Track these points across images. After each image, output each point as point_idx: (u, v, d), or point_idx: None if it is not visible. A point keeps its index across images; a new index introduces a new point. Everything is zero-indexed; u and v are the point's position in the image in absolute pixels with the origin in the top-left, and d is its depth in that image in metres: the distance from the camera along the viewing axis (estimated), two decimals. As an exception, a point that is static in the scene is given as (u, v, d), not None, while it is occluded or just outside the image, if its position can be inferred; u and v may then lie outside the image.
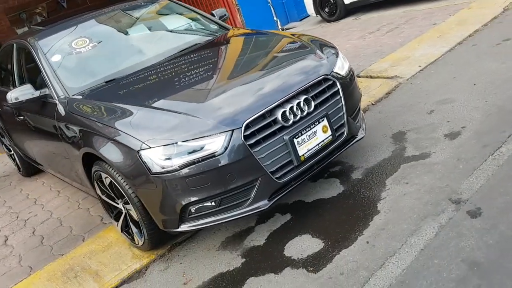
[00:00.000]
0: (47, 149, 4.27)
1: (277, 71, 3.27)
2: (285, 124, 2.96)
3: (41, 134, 4.14)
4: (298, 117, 3.01)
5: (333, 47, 3.64)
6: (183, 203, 2.85)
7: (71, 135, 3.50)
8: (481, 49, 5.31)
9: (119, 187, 3.09)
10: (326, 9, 10.10)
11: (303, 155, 3.01)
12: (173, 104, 3.17)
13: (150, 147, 2.81)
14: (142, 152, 2.83)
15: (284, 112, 2.95)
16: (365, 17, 9.21)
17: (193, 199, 2.85)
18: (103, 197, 3.48)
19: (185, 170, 2.78)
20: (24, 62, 4.60)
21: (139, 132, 2.91)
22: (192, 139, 2.80)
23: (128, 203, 3.13)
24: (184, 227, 2.97)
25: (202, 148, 2.79)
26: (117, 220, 3.52)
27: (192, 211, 2.91)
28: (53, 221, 4.37)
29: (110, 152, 3.03)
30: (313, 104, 3.09)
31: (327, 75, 3.25)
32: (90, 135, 3.22)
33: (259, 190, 2.90)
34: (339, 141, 3.23)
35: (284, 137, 2.93)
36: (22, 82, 4.56)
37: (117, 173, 3.06)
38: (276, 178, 2.93)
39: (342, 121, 3.25)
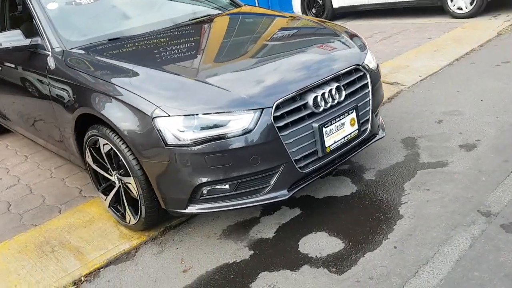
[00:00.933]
0: (24, 105, 3.81)
1: (308, 55, 3.01)
2: (315, 111, 2.72)
3: (22, 89, 3.68)
4: (328, 105, 2.77)
5: (361, 38, 3.44)
6: (198, 182, 2.54)
7: (63, 92, 3.10)
8: (481, 68, 5.30)
9: (121, 157, 2.74)
10: (313, 10, 9.98)
11: (329, 146, 2.77)
12: (193, 70, 2.86)
13: (169, 115, 2.48)
14: (157, 120, 2.50)
15: (315, 98, 2.71)
16: (352, 23, 9.14)
17: (209, 179, 2.55)
18: (94, 166, 3.10)
19: (205, 146, 2.48)
20: (8, 8, 4.11)
21: (154, 96, 2.57)
22: (216, 113, 2.50)
23: (128, 176, 2.77)
24: (191, 209, 2.66)
25: (226, 124, 2.50)
26: (105, 194, 3.15)
27: (204, 192, 2.61)
28: (21, 187, 3.92)
29: (115, 115, 2.68)
30: (343, 93, 2.87)
31: (359, 65, 3.04)
32: (89, 94, 2.84)
33: (280, 178, 2.64)
34: (361, 138, 3.02)
35: (313, 125, 2.69)
36: (3, 30, 4.08)
37: (120, 140, 2.71)
38: (299, 167, 2.68)
39: (367, 117, 3.05)
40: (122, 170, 2.88)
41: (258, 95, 2.59)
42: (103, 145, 2.87)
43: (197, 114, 2.49)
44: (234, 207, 2.66)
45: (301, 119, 2.67)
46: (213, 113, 2.50)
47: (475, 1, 7.91)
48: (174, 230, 3.07)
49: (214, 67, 2.95)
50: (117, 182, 2.97)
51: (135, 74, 2.80)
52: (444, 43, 6.45)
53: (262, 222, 3.00)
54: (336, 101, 2.81)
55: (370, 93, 3.07)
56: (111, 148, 2.80)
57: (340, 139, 2.84)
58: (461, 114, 4.12)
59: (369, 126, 3.06)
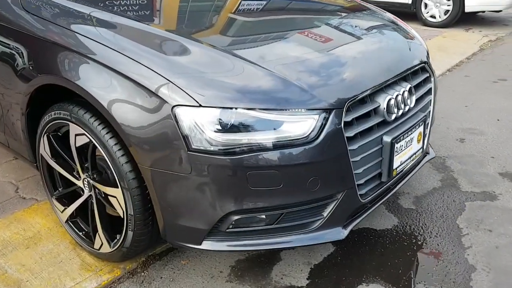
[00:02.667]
0: None
1: (371, 41, 2.26)
2: (387, 119, 1.97)
3: None
4: (400, 113, 2.04)
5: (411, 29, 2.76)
6: (230, 208, 1.70)
7: (15, 50, 2.10)
8: (479, 83, 4.89)
9: (106, 157, 1.81)
10: None
11: (396, 168, 2.05)
12: (229, 42, 2.00)
13: (200, 105, 1.62)
14: (180, 111, 1.63)
15: (389, 101, 1.97)
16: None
17: (246, 205, 1.71)
18: (52, 162, 2.13)
19: (250, 157, 1.65)
20: None
21: (174, 72, 1.70)
22: (264, 109, 1.67)
23: (113, 186, 1.86)
24: (209, 245, 1.81)
25: (278, 127, 1.68)
26: (62, 202, 2.20)
27: (233, 223, 1.77)
28: None
29: (106, 93, 1.75)
30: (413, 98, 2.15)
31: (426, 63, 2.34)
32: (59, 55, 1.90)
33: (336, 210, 1.87)
34: (419, 157, 2.33)
35: (384, 138, 1.95)
36: None
37: (108, 133, 1.79)
38: (360, 195, 1.93)
39: (427, 131, 2.37)
40: (98, 175, 1.96)
41: (323, 88, 1.79)
42: (76, 135, 1.92)
43: (235, 108, 1.65)
44: (269, 247, 1.86)
45: (370, 129, 1.92)
46: (258, 108, 1.67)
47: (449, 12, 7.62)
48: (161, 262, 2.19)
49: (250, 39, 2.11)
50: (86, 189, 2.04)
51: (141, 35, 1.89)
52: (429, 51, 5.99)
53: (285, 259, 2.21)
54: (407, 108, 2.09)
55: (433, 101, 2.39)
56: (90, 142, 1.86)
57: (406, 160, 2.13)
58: (483, 134, 3.60)
59: (425, 143, 2.38)
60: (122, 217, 1.88)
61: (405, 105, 2.07)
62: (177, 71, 1.71)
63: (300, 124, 1.71)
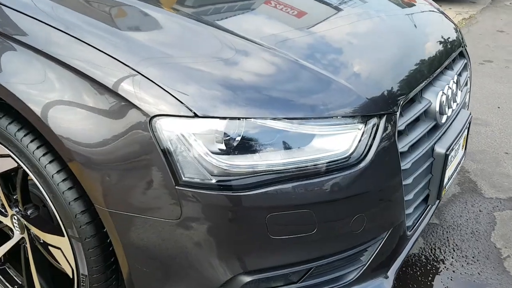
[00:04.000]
0: None
1: (417, 21, 1.72)
2: (440, 122, 1.46)
3: None
4: (450, 112, 1.53)
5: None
6: (240, 268, 1.13)
7: None
8: (465, 64, 4.50)
9: (46, 194, 1.19)
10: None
11: (445, 186, 1.55)
12: (244, 23, 1.41)
13: (195, 115, 1.02)
14: (163, 124, 1.04)
15: (441, 97, 1.45)
16: None
17: (263, 262, 1.15)
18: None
19: (270, 192, 1.08)
20: None
21: (143, 57, 1.09)
22: (290, 119, 1.11)
23: (57, 233, 1.23)
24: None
25: (306, 144, 1.12)
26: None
27: (244, 286, 1.20)
28: None
29: (40, 92, 1.13)
30: (459, 92, 1.65)
31: (463, 46, 1.84)
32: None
33: (380, 252, 1.34)
34: (456, 165, 1.84)
35: (437, 149, 1.43)
36: None
37: (44, 154, 1.17)
38: (407, 227, 1.41)
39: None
40: (33, 211, 1.33)
41: (366, 83, 1.25)
42: (-5, 156, 1.27)
43: (247, 118, 1.07)
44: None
45: (421, 138, 1.40)
46: (284, 118, 1.10)
47: (417, -12, 7.23)
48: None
49: (246, 6, 1.51)
50: (16, 230, 1.40)
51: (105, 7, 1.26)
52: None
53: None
54: (455, 104, 1.59)
55: (469, 94, 1.90)
56: (19, 168, 1.23)
57: (453, 173, 1.64)
58: (487, 125, 3.20)
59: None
60: (70, 276, 1.27)
61: (453, 102, 1.56)
62: (148, 56, 1.10)
63: (338, 138, 1.16)
